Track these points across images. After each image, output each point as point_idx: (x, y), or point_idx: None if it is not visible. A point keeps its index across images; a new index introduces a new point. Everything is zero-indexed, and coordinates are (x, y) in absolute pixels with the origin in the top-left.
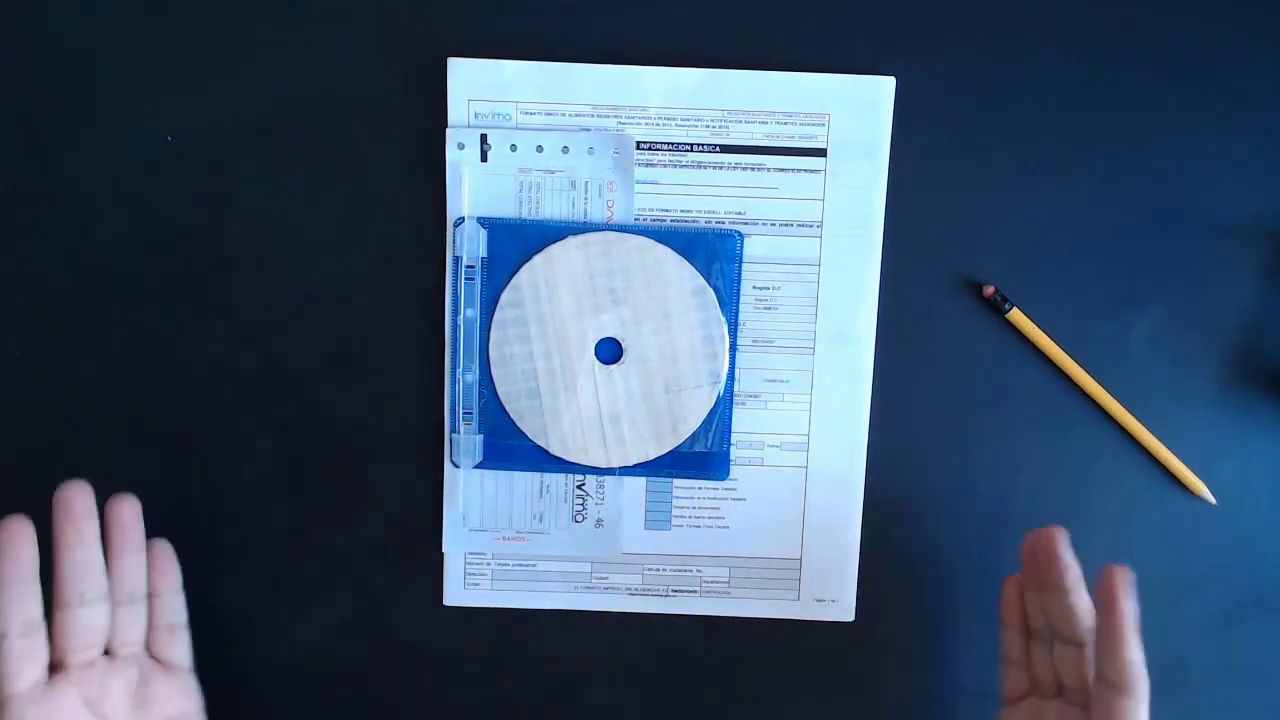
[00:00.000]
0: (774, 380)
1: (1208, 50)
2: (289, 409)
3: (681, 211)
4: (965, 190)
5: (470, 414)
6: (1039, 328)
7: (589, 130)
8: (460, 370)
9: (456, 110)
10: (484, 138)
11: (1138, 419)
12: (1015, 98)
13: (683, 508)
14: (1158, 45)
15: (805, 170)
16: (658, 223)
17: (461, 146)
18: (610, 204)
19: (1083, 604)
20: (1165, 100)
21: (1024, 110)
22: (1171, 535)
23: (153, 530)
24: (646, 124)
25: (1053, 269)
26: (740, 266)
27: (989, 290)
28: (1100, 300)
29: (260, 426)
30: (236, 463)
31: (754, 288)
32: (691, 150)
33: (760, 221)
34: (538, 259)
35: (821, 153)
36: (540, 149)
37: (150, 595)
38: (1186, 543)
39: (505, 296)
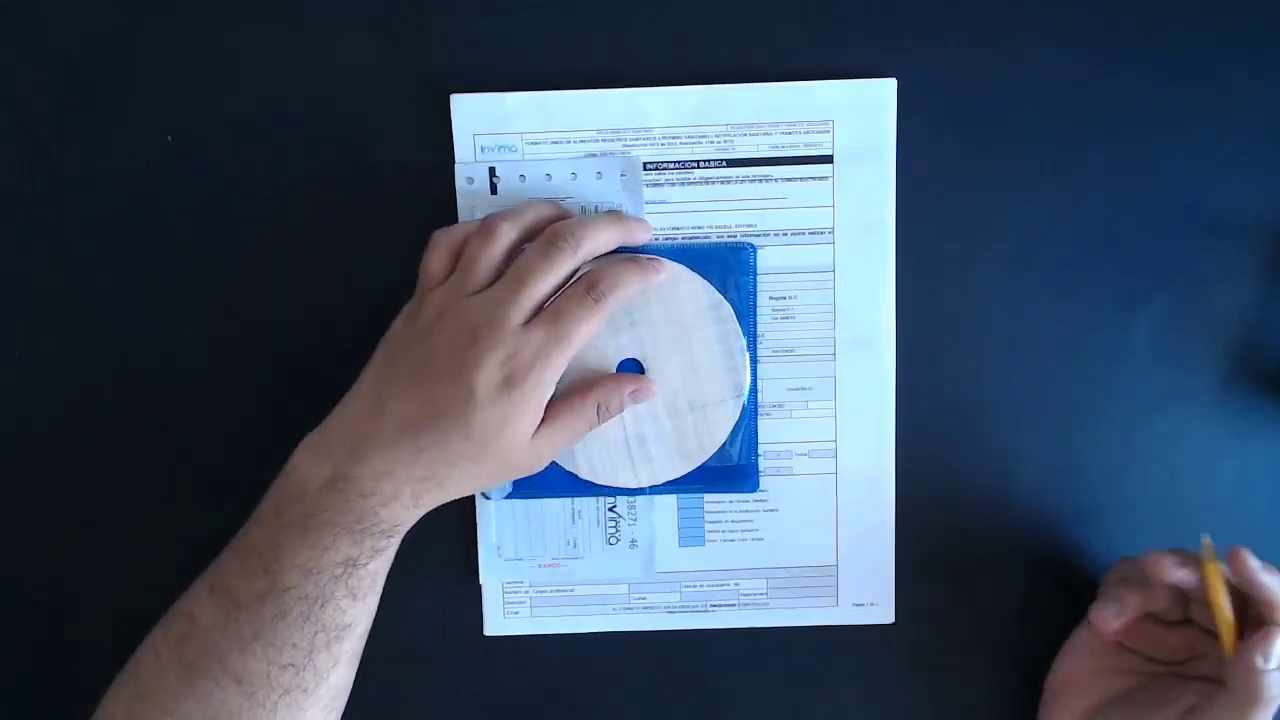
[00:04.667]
0: (797, 389)
1: (1208, 50)
2: (299, 425)
3: (693, 228)
4: (966, 189)
5: None
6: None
7: (595, 155)
8: None
9: (463, 145)
10: (492, 170)
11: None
12: (1014, 96)
13: (715, 522)
14: (1158, 45)
15: (813, 178)
16: (670, 241)
17: (471, 181)
18: None
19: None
20: (1165, 100)
21: (1024, 109)
22: (1172, 536)
23: (157, 542)
24: (652, 145)
25: (1053, 269)
26: (755, 278)
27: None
28: (1100, 300)
29: (264, 441)
30: (239, 472)
31: (770, 298)
32: (698, 167)
33: (772, 232)
34: None
35: (828, 159)
36: (549, 177)
37: None
38: (1187, 543)
39: None
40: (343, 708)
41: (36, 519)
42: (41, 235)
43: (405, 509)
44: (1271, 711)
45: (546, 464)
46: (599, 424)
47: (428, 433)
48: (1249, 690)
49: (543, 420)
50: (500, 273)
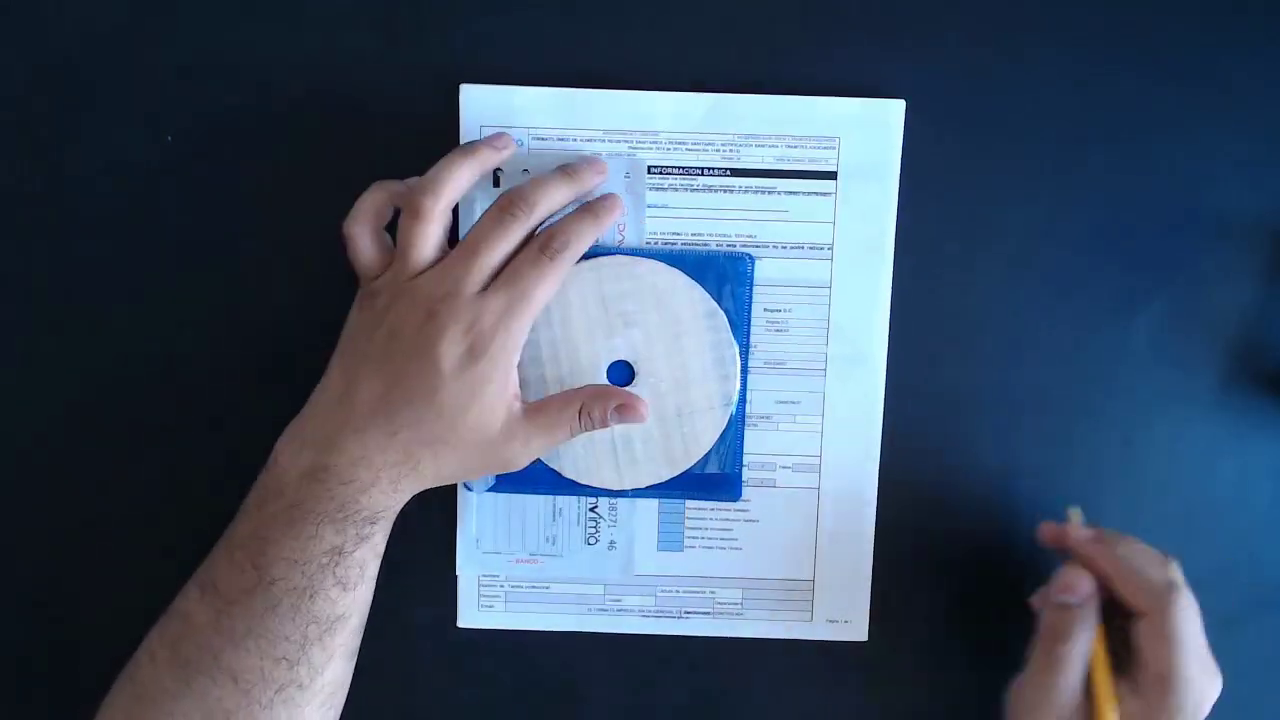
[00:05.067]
0: (786, 402)
1: (1208, 50)
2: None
3: (693, 235)
4: (966, 189)
5: None
6: None
7: (600, 155)
8: None
9: (469, 135)
10: None
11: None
12: (1014, 96)
13: (695, 529)
14: (1158, 45)
15: (816, 193)
16: (669, 246)
17: None
18: (621, 227)
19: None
20: (1165, 100)
21: (1024, 109)
22: (1171, 536)
23: (157, 542)
24: (657, 148)
25: (1053, 269)
26: (751, 289)
27: None
28: (1100, 300)
29: (264, 441)
30: (239, 472)
31: (765, 310)
32: (702, 174)
33: (771, 244)
34: None
35: (832, 175)
36: None
37: None
38: (1187, 543)
39: None
40: (341, 706)
41: (36, 519)
42: (41, 235)
43: (385, 495)
44: (1066, 659)
45: (526, 464)
46: (580, 430)
47: (399, 414)
48: (1041, 632)
49: (524, 421)
50: (442, 249)
